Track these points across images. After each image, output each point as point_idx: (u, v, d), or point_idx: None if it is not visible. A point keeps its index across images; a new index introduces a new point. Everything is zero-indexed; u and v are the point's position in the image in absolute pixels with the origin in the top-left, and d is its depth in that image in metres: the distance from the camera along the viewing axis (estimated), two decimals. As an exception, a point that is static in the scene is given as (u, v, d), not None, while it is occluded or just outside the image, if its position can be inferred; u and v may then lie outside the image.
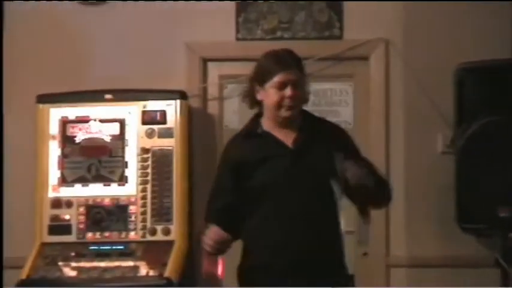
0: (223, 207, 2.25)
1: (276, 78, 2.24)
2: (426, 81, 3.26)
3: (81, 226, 3.06)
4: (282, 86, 2.24)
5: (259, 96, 2.29)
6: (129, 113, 3.10)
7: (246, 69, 3.31)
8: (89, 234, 3.04)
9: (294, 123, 2.29)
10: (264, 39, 3.32)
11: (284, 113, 2.26)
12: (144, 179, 3.05)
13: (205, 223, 2.31)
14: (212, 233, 2.17)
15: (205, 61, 3.39)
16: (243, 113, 3.39)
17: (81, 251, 2.99)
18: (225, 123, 3.41)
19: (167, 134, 3.06)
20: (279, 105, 2.25)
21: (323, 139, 2.30)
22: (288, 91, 2.24)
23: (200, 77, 3.36)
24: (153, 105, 3.09)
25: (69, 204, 3.07)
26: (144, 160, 3.06)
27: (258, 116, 2.34)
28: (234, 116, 3.39)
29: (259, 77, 2.27)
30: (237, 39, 3.35)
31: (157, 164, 3.05)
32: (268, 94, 2.25)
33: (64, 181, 3.09)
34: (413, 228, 3.26)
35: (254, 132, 2.30)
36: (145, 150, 3.07)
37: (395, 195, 3.24)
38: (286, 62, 2.26)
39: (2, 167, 3.02)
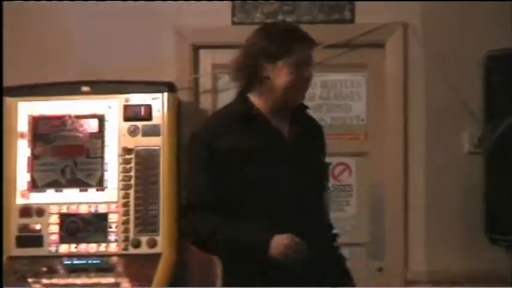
0: (211, 204, 2.19)
1: (296, 56, 2.21)
2: (450, 71, 3.24)
3: (54, 237, 3.03)
4: (299, 65, 2.22)
5: (265, 74, 2.22)
6: (109, 107, 3.07)
7: None
8: (63, 247, 3.02)
9: (286, 111, 2.28)
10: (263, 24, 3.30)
11: (297, 96, 2.25)
12: (127, 183, 3.03)
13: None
14: (293, 243, 2.12)
15: (196, 48, 3.37)
16: None
17: (54, 265, 2.97)
18: None
19: (153, 131, 3.04)
20: (292, 87, 2.22)
21: (312, 137, 2.34)
22: (306, 71, 2.23)
23: (191, 67, 3.34)
24: (137, 98, 3.06)
25: (40, 212, 3.04)
26: (127, 162, 3.03)
27: (244, 92, 2.28)
28: None
29: (272, 52, 2.21)
30: (233, 23, 3.34)
31: (142, 166, 3.03)
32: (281, 72, 2.21)
33: (34, 186, 3.07)
34: (434, 239, 3.24)
35: (249, 113, 2.24)
36: (127, 151, 3.04)
37: (415, 202, 3.27)
38: (307, 38, 2.24)
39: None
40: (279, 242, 2.11)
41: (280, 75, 2.21)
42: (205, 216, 2.19)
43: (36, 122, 3.07)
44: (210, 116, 2.34)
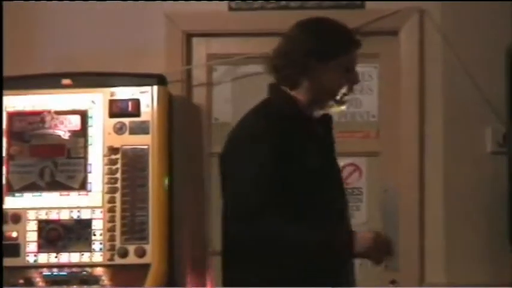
0: (277, 207, 2.22)
1: (349, 57, 2.32)
2: (471, 61, 3.25)
3: (32, 246, 3.02)
4: (349, 67, 2.33)
5: (313, 72, 2.30)
6: (93, 102, 3.07)
7: (241, 46, 3.36)
8: (42, 257, 3.02)
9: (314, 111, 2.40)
10: (264, 9, 3.33)
11: (344, 100, 2.34)
12: (112, 186, 3.03)
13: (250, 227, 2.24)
14: (378, 237, 2.22)
15: (189, 36, 3.38)
16: (237, 102, 3.41)
17: (32, 277, 2.98)
18: (214, 116, 3.39)
19: (141, 129, 3.04)
20: (341, 89, 2.32)
21: (332, 139, 2.46)
22: (354, 75, 2.35)
23: (183, 57, 3.35)
24: (123, 92, 3.06)
25: (16, 218, 3.04)
26: (112, 162, 3.04)
27: (279, 85, 2.35)
28: (225, 106, 3.41)
29: (327, 50, 2.30)
30: (230, 8, 3.36)
31: (129, 168, 3.03)
32: (332, 73, 2.31)
33: (10, 189, 3.06)
34: (454, 249, 3.24)
35: (301, 114, 2.33)
36: (113, 150, 3.04)
37: (432, 207, 3.29)
38: (356, 39, 2.35)
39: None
40: (363, 237, 2.20)
41: (330, 76, 2.31)
42: (276, 219, 2.22)
43: (12, 119, 3.06)
44: (260, 115, 2.34)
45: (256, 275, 2.24)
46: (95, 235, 2.99)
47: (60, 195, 3.03)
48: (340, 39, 2.32)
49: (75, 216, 3.01)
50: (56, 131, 3.06)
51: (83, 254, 2.99)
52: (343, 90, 2.33)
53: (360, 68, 3.30)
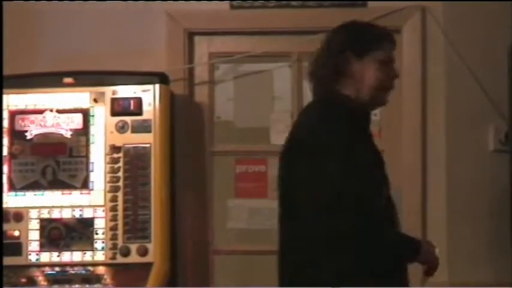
0: (357, 202, 2.27)
1: (384, 52, 2.38)
2: (474, 59, 3.26)
3: (34, 245, 3.06)
4: (385, 63, 2.38)
5: (351, 69, 2.36)
6: (95, 101, 3.10)
7: (243, 44, 3.36)
8: (44, 256, 3.05)
9: None
10: (265, 7, 3.35)
11: (385, 95, 2.40)
12: (114, 185, 3.06)
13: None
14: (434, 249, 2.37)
15: (191, 35, 3.40)
16: (239, 100, 3.44)
17: (35, 276, 3.01)
18: (216, 114, 3.42)
19: (143, 127, 3.07)
20: (381, 85, 2.37)
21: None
22: (392, 70, 2.40)
23: (185, 55, 3.37)
24: (125, 91, 3.09)
25: (18, 217, 3.08)
26: (114, 161, 3.07)
27: (324, 88, 2.39)
28: (227, 104, 3.43)
29: (360, 45, 2.37)
30: (232, 7, 3.38)
31: (131, 166, 3.06)
32: (369, 68, 2.37)
33: (12, 188, 3.10)
34: (456, 249, 3.25)
35: (358, 109, 2.37)
36: (115, 149, 3.08)
37: (434, 206, 3.28)
38: (391, 36, 2.42)
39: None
40: (429, 247, 2.36)
41: (367, 71, 2.36)
42: (364, 216, 2.26)
43: (14, 117, 3.09)
44: (323, 111, 2.36)
45: (333, 269, 2.25)
46: (97, 234, 3.03)
47: (62, 194, 3.07)
48: (372, 34, 2.40)
49: (77, 215, 3.05)
50: (58, 130, 3.08)
51: (85, 253, 3.02)
52: (384, 84, 2.37)
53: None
